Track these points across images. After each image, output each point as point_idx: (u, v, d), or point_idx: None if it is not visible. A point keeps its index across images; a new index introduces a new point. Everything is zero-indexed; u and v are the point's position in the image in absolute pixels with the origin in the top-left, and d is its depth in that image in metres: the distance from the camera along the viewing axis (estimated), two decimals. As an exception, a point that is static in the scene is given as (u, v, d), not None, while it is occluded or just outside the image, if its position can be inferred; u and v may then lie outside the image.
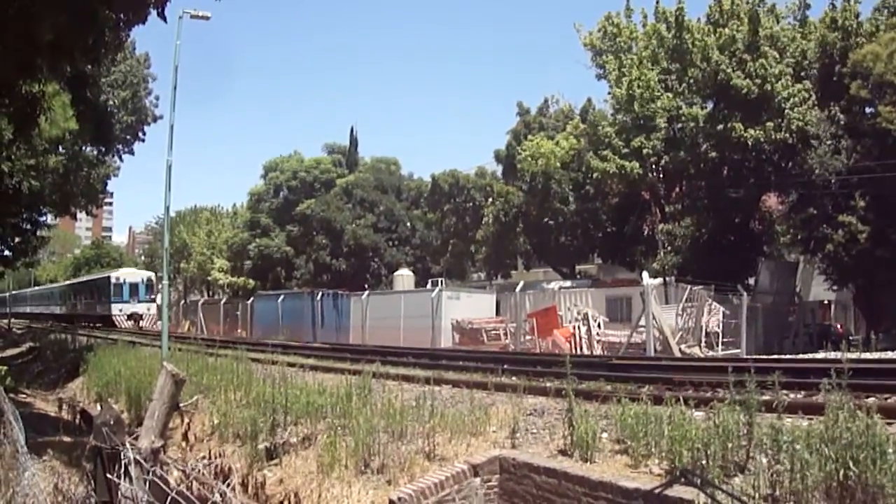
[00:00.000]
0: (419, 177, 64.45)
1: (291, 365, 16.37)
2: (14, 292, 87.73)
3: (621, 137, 34.81)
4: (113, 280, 49.24)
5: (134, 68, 42.32)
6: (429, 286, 39.03)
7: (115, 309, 47.97)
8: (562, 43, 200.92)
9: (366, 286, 49.74)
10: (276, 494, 9.49)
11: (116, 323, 46.98)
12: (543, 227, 41.52)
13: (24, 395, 23.10)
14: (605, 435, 8.27)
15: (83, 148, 27.26)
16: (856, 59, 29.41)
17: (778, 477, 6.12)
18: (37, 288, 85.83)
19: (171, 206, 25.90)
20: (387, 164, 65.59)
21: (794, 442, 6.18)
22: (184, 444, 12.78)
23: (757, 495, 6.01)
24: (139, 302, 48.71)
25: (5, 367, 24.04)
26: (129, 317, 47.76)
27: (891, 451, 5.72)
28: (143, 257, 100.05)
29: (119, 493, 4.93)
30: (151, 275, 52.08)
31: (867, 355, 16.06)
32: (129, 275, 50.89)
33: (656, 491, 5.32)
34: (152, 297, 48.98)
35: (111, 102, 37.93)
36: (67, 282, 70.65)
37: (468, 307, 34.32)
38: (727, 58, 32.54)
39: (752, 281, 33.17)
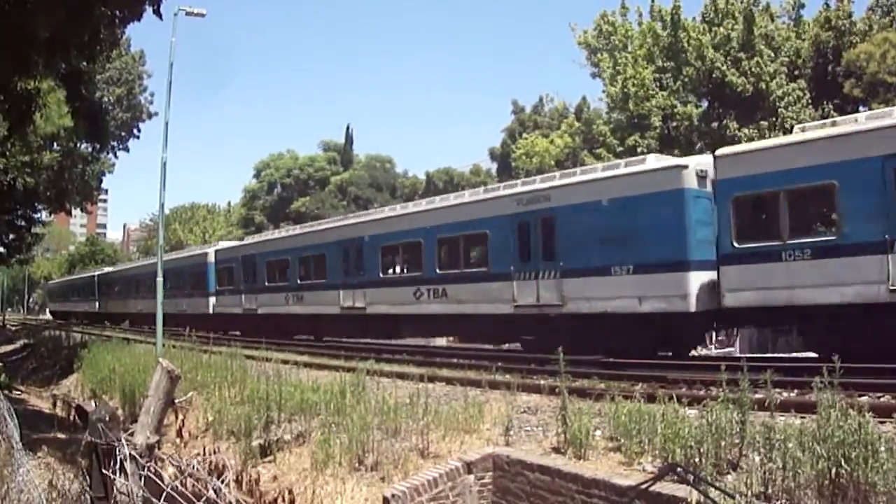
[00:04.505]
0: (414, 174, 64.59)
1: (285, 362, 16.35)
2: (106, 270, 54.20)
3: (616, 136, 34.79)
4: None
5: (129, 65, 42.26)
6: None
7: None
8: (557, 41, 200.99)
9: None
10: (271, 491, 9.49)
11: None
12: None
13: (18, 392, 23.02)
14: (598, 433, 8.29)
15: (78, 144, 27.16)
16: (849, 59, 29.50)
17: (770, 475, 6.17)
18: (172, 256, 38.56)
19: (165, 202, 25.73)
20: (381, 162, 65.56)
21: (787, 440, 6.23)
22: (178, 440, 12.76)
23: (749, 493, 6.05)
24: None
25: (0, 364, 23.98)
26: None
27: (882, 449, 5.76)
28: (137, 254, 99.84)
29: (114, 488, 4.93)
30: None
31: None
32: None
33: (647, 486, 5.35)
34: None
35: (106, 99, 37.91)
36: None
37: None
38: (722, 56, 32.56)
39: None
